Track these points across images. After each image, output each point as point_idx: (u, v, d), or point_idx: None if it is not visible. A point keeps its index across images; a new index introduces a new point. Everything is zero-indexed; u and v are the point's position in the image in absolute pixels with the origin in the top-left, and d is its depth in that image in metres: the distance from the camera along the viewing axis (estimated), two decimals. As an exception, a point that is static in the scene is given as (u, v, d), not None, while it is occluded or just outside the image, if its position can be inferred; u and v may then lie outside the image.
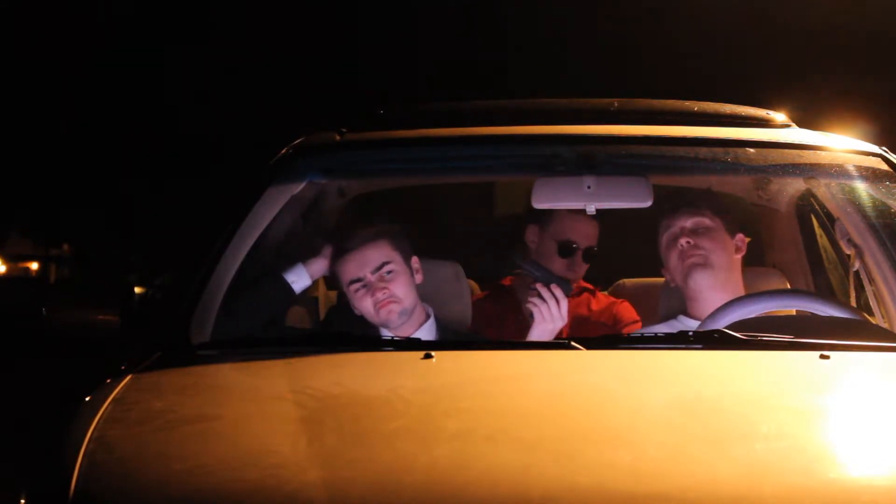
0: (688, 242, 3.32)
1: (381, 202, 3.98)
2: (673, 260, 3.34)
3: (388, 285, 3.25)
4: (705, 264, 3.30)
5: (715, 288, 3.27)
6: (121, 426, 2.25)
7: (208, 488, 2.00)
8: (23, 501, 2.08)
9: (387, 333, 3.26)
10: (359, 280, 3.26)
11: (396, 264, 3.28)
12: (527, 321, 3.28)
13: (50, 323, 2.93)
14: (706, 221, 3.35)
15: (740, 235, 3.39)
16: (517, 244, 3.80)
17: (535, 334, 3.17)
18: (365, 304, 3.26)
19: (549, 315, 3.17)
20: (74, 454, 2.12)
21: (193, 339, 2.80)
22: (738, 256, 3.39)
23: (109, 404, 2.33)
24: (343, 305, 3.58)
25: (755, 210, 4.00)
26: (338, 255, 3.30)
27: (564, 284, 3.21)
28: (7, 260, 27.32)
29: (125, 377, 2.52)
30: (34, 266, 28.00)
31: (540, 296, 3.18)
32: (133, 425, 2.28)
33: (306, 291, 3.83)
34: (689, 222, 3.35)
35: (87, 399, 2.40)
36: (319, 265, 3.35)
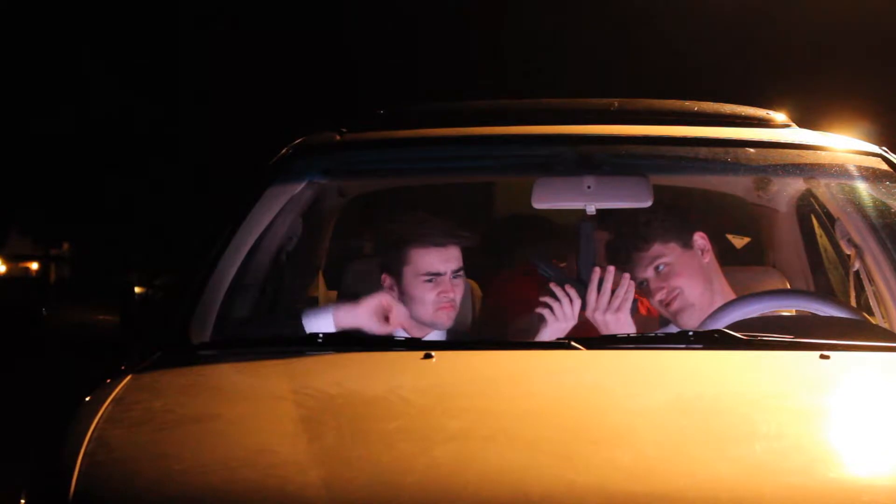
0: (659, 289, 3.31)
1: (381, 202, 3.98)
2: (656, 304, 3.32)
3: (456, 290, 3.29)
4: (685, 306, 3.27)
5: (703, 307, 3.26)
6: (121, 426, 2.25)
7: (208, 488, 1.99)
8: (23, 501, 2.08)
9: (401, 333, 3.28)
10: (437, 274, 3.27)
11: (463, 272, 3.32)
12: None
13: (50, 323, 2.93)
14: (663, 258, 3.30)
15: (696, 236, 3.32)
16: (524, 244, 3.80)
17: (548, 333, 3.18)
18: (427, 297, 3.26)
19: (563, 315, 3.17)
20: (74, 454, 2.12)
21: (193, 339, 2.80)
22: (707, 259, 3.32)
23: (109, 404, 2.33)
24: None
25: (755, 210, 4.00)
26: (417, 242, 3.28)
27: (578, 285, 3.21)
28: (7, 260, 27.34)
29: (125, 377, 2.52)
30: (34, 266, 28.02)
31: (554, 295, 3.19)
32: (133, 425, 2.27)
33: (306, 291, 3.83)
34: (649, 271, 3.30)
35: (87, 399, 2.40)
36: (350, 317, 3.11)
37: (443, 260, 3.28)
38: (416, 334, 3.26)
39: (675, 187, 3.86)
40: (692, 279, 3.28)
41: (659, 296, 3.29)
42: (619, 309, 3.17)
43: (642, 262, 3.31)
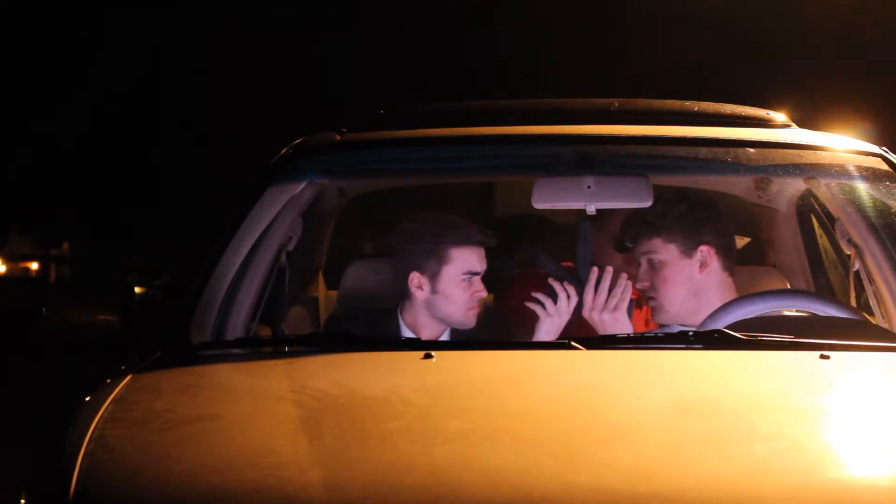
0: (644, 280, 3.32)
1: (382, 202, 3.98)
2: (638, 288, 3.35)
3: (482, 289, 3.33)
4: (658, 308, 3.31)
5: (680, 315, 3.26)
6: (121, 426, 2.25)
7: (208, 488, 1.99)
8: (23, 501, 2.08)
9: (407, 332, 3.29)
10: (475, 273, 3.31)
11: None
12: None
13: (50, 323, 2.93)
14: (657, 255, 3.31)
15: (703, 248, 3.31)
16: (525, 242, 3.80)
17: (543, 329, 3.18)
18: (461, 296, 3.30)
19: (556, 310, 3.19)
20: (74, 454, 2.12)
21: (193, 339, 2.80)
22: (704, 273, 3.31)
23: (109, 404, 2.33)
24: (344, 309, 3.57)
25: (755, 210, 4.00)
26: (459, 241, 3.31)
27: (576, 282, 3.22)
28: (7, 260, 27.35)
29: (125, 377, 2.52)
30: (34, 266, 28.03)
31: (550, 290, 3.19)
32: (133, 425, 2.27)
33: (306, 291, 3.83)
34: (642, 255, 3.34)
35: (87, 399, 2.40)
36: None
37: (479, 259, 3.33)
38: (426, 334, 3.27)
39: (712, 192, 3.85)
40: (676, 287, 3.29)
41: (641, 285, 3.33)
42: (616, 308, 3.19)
43: (640, 247, 3.35)
